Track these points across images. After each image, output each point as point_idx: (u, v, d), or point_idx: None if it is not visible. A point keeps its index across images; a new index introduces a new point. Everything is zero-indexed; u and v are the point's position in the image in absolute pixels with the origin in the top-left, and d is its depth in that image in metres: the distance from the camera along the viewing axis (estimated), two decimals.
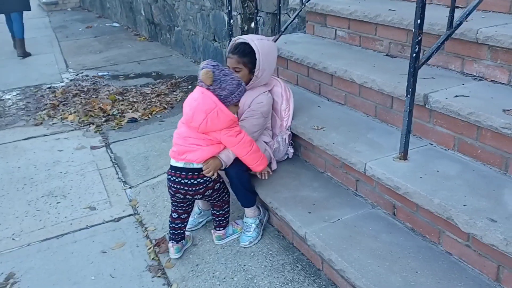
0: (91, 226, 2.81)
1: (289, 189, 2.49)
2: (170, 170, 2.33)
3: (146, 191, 3.14)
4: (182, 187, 2.29)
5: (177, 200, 2.39)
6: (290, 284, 2.17)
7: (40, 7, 12.69)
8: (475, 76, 2.33)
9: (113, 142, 3.97)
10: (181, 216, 2.42)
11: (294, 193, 2.45)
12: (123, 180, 3.35)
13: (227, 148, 2.33)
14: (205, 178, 2.28)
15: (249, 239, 2.46)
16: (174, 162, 2.31)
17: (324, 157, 2.58)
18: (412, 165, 2.08)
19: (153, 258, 2.50)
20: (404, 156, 2.12)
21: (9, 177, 3.43)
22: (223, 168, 2.34)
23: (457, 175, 1.97)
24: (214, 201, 2.42)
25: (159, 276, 2.37)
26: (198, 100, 2.18)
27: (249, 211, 2.49)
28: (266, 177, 2.51)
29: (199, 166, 2.26)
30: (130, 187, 3.24)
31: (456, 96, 2.11)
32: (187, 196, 2.34)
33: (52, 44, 7.99)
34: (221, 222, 2.49)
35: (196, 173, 2.27)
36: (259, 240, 2.49)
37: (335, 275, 2.10)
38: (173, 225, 2.42)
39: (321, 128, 2.52)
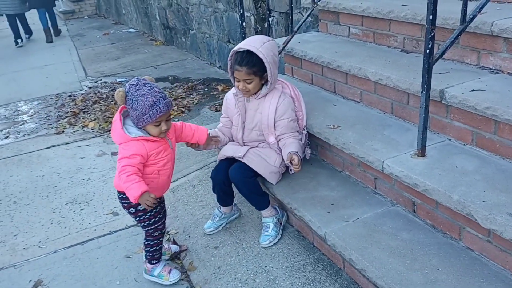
0: (115, 232, 2.87)
1: (307, 189, 2.50)
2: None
3: (166, 195, 3.15)
4: None
5: None
6: (311, 285, 2.18)
7: (57, 16, 12.91)
8: (492, 69, 2.30)
9: None
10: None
11: (313, 193, 2.46)
12: None
13: (294, 140, 2.47)
14: (119, 195, 2.28)
15: (269, 238, 2.48)
16: None
17: (341, 156, 2.58)
18: (430, 161, 2.07)
19: (175, 262, 2.54)
20: (421, 152, 2.11)
21: (34, 185, 3.52)
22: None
23: (476, 170, 1.95)
24: (138, 224, 2.38)
25: (182, 279, 2.41)
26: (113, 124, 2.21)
27: (265, 212, 2.52)
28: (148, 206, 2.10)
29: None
30: None
31: (473, 90, 2.09)
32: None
33: (70, 52, 8.15)
34: (145, 253, 2.39)
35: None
36: (278, 240, 2.51)
37: (356, 274, 2.10)
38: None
39: (337, 127, 2.52)
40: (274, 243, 2.49)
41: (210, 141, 2.56)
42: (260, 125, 2.55)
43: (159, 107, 2.07)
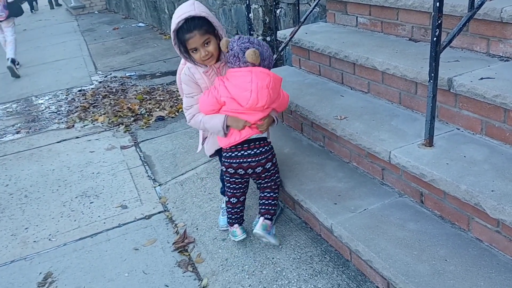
0: (123, 224, 2.89)
1: (314, 181, 2.48)
2: (232, 148, 2.28)
3: (175, 188, 3.20)
4: (245, 159, 2.27)
5: (236, 181, 2.36)
6: (319, 276, 2.18)
7: (68, 11, 13.00)
8: (502, 56, 2.25)
9: (142, 141, 4.05)
10: (240, 199, 2.43)
11: (319, 184, 2.45)
12: (153, 178, 3.42)
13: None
14: (266, 148, 2.30)
15: None
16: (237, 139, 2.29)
17: (348, 147, 2.56)
18: (438, 151, 2.04)
19: (183, 254, 2.55)
20: (429, 142, 2.08)
21: (45, 179, 3.56)
22: (275, 125, 2.39)
23: (485, 159, 1.92)
24: (269, 179, 2.37)
25: (190, 271, 2.42)
26: (255, 81, 2.14)
27: None
28: None
29: (259, 136, 2.29)
30: (159, 185, 3.30)
31: (482, 78, 2.05)
32: (249, 170, 2.30)
33: (81, 47, 8.19)
34: (270, 208, 2.36)
35: (259, 142, 2.29)
36: None
37: (363, 265, 2.09)
38: (235, 209, 2.43)
39: (344, 117, 2.50)
40: None
41: None
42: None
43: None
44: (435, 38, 1.87)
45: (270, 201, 2.39)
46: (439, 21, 1.84)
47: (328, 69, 3.05)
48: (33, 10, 13.76)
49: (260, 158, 2.29)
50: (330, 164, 2.62)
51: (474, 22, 2.26)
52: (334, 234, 2.18)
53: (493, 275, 1.71)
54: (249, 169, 2.30)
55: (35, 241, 2.81)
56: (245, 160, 2.28)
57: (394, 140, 2.20)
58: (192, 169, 3.36)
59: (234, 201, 2.43)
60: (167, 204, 3.05)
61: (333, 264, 2.23)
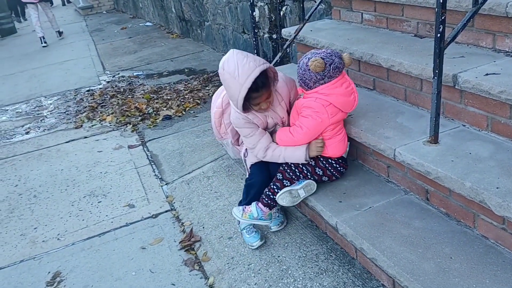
0: (131, 223, 2.91)
1: None
2: (343, 163, 2.41)
3: (181, 187, 3.21)
4: (339, 175, 2.42)
5: (306, 177, 2.38)
6: (324, 274, 2.17)
7: (77, 12, 13.10)
8: (508, 52, 2.23)
9: (149, 140, 4.07)
10: None
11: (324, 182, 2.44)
12: (160, 177, 3.43)
13: None
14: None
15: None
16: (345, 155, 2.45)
17: (353, 144, 2.55)
18: (443, 148, 2.03)
19: (190, 252, 2.56)
20: (434, 139, 2.07)
21: (53, 179, 3.59)
22: None
23: (490, 156, 1.90)
24: None
25: (197, 270, 2.43)
26: (351, 82, 2.28)
27: None
28: None
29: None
30: (166, 184, 3.32)
31: (487, 74, 2.03)
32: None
33: (89, 47, 8.25)
34: None
35: (346, 161, 2.47)
36: None
37: (369, 263, 2.08)
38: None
39: (349, 115, 2.49)
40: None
41: None
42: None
43: None
44: (439, 34, 1.85)
45: None
46: (443, 17, 1.83)
47: None
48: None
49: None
50: None
51: (480, 17, 2.24)
52: (339, 232, 2.18)
53: (499, 272, 1.70)
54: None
55: (43, 241, 2.84)
56: (338, 175, 2.41)
57: (399, 137, 2.19)
58: (199, 168, 3.37)
59: (287, 184, 2.41)
60: (174, 203, 3.07)
61: (339, 262, 2.23)
